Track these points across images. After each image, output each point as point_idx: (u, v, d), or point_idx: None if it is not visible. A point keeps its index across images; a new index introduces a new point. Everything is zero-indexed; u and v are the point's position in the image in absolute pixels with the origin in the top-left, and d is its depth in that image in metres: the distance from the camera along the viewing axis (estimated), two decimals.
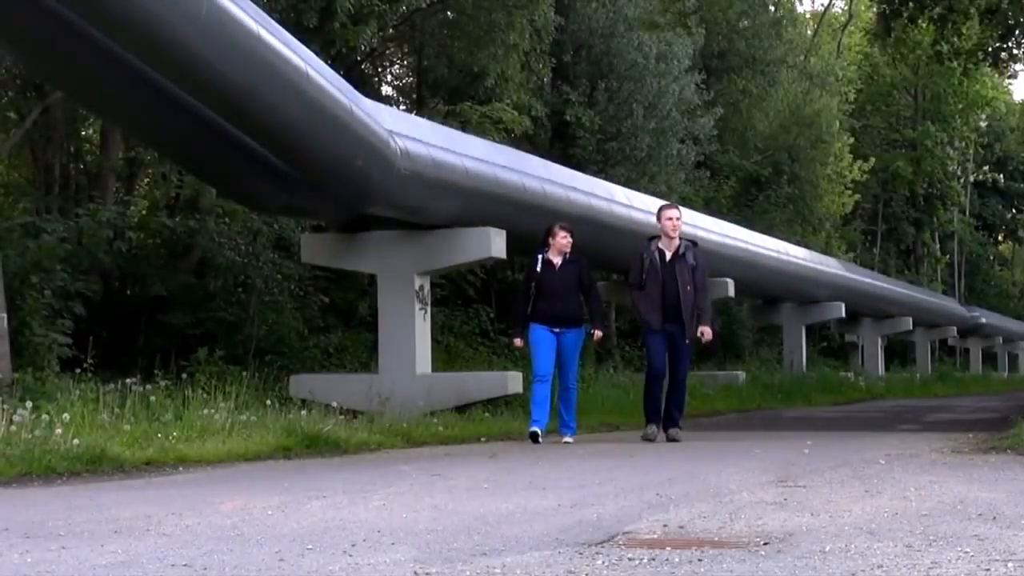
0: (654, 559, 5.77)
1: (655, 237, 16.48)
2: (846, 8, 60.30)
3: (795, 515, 7.48)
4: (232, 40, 15.00)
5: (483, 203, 20.40)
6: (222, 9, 14.76)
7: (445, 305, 27.62)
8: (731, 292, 29.21)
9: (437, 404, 19.35)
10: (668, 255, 16.09)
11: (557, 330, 16.49)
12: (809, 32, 56.18)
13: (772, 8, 48.44)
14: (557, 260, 16.59)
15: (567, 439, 16.40)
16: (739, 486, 9.46)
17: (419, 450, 15.08)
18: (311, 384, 19.88)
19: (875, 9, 29.93)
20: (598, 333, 17.17)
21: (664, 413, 16.35)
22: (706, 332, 16.16)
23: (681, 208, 17.51)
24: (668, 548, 6.12)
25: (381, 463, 12.92)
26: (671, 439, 16.06)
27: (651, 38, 34.04)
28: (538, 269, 16.56)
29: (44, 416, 12.58)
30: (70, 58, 15.31)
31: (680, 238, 16.36)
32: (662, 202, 18.92)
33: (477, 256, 21.12)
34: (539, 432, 16.12)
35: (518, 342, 17.12)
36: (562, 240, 16.63)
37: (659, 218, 16.56)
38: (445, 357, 23.12)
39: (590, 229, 23.43)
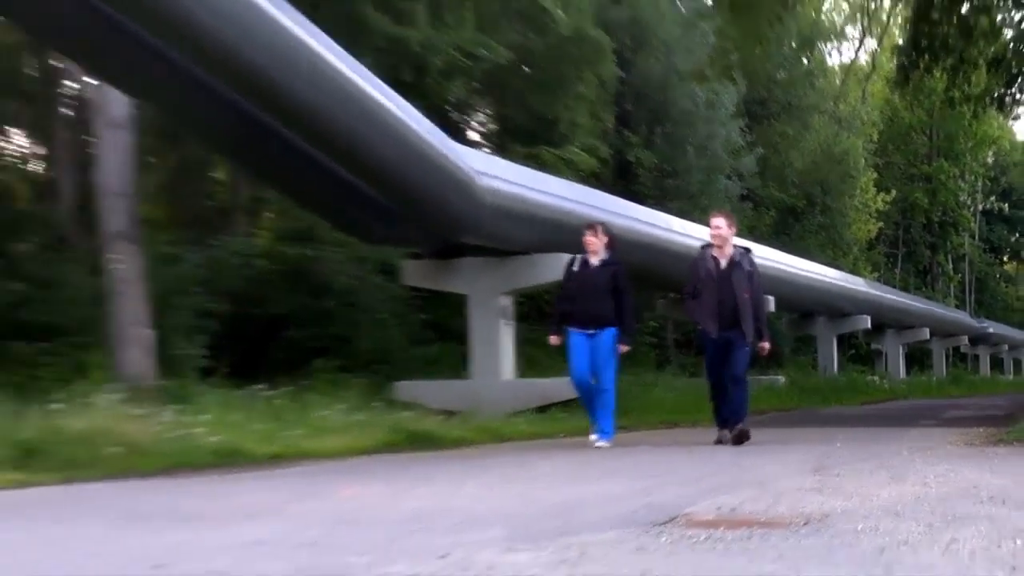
0: (710, 537, 5.73)
1: (709, 245, 14.60)
2: (870, 60, 59.98)
3: (830, 499, 7.41)
4: (342, 94, 15.09)
5: (557, 232, 20.37)
6: (335, 68, 14.87)
7: (526, 320, 27.58)
8: (772, 307, 29.08)
9: (520, 405, 19.34)
10: (723, 263, 14.24)
11: (591, 332, 14.42)
12: (838, 82, 55.87)
13: (805, 61, 48.35)
14: (594, 262, 14.59)
15: (601, 443, 14.20)
16: (781, 474, 9.38)
17: (506, 445, 15.05)
18: (413, 389, 19.92)
19: (895, 61, 29.76)
20: (623, 347, 14.67)
21: (731, 412, 14.30)
22: (765, 347, 14.49)
23: (729, 214, 15.20)
24: (722, 528, 6.07)
25: (474, 457, 12.90)
26: (739, 436, 13.97)
27: (700, 89, 33.96)
28: (573, 269, 14.76)
29: (186, 417, 12.65)
30: (203, 112, 15.44)
31: (734, 245, 14.53)
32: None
33: (553, 278, 20.96)
34: (605, 444, 14.15)
35: (553, 339, 15.05)
36: (585, 239, 14.64)
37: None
38: (526, 365, 23.08)
39: (650, 254, 23.41)
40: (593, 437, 14.26)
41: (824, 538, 5.67)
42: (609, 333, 14.40)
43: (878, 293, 43.51)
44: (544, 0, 27.41)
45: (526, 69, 30.68)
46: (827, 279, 37.46)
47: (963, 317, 57.76)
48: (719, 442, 14.02)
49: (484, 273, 20.19)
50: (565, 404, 20.05)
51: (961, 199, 65.38)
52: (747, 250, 14.70)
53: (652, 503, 7.43)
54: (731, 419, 14.13)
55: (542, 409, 19.59)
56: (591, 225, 14.93)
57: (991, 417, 20.82)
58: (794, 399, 30.10)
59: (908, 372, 48.37)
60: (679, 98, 33.84)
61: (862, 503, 7.16)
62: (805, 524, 6.20)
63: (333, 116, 15.13)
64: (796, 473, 9.49)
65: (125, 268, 17.45)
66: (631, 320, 14.82)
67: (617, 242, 15.01)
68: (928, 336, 48.87)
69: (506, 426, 17.06)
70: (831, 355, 40.15)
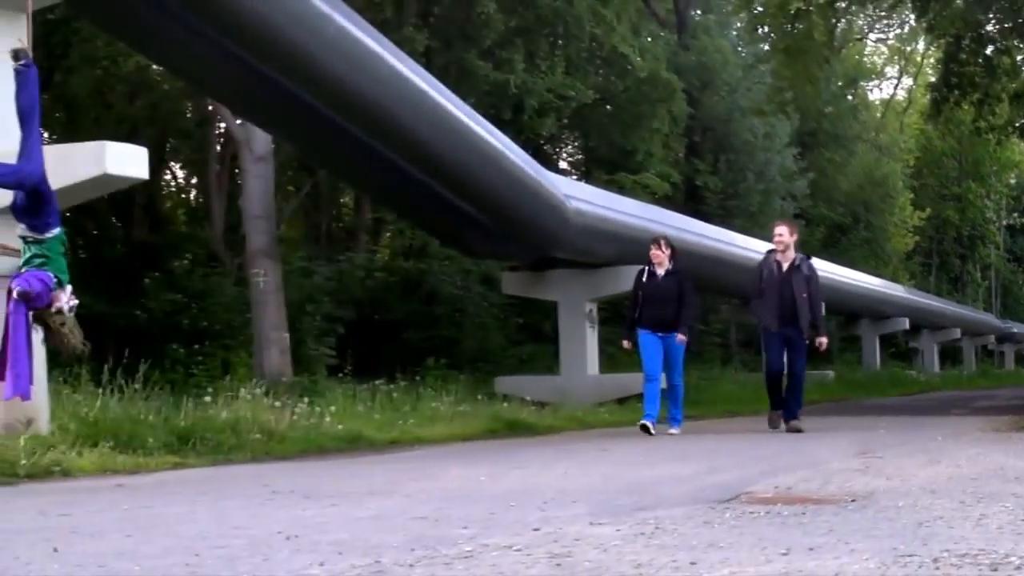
0: (768, 512, 5.67)
1: (773, 250, 14.25)
2: (906, 96, 59.38)
3: (874, 479, 7.31)
4: (451, 129, 15.13)
5: (636, 247, 20.21)
6: (446, 110, 14.93)
7: (608, 324, 27.48)
8: (823, 311, 28.77)
9: (603, 397, 19.27)
10: (784, 266, 13.86)
11: (661, 334, 14.02)
12: (878, 115, 55.28)
13: (850, 97, 47.91)
14: (660, 272, 14.16)
15: (672, 430, 14.02)
16: (831, 457, 9.26)
17: (591, 432, 14.98)
18: (510, 383, 19.90)
19: (929, 96, 29.44)
20: (680, 337, 14.20)
21: (788, 407, 13.89)
22: (823, 342, 14.13)
23: (791, 224, 14.91)
24: (779, 504, 6.00)
25: (563, 442, 12.85)
26: (792, 429, 13.52)
27: (759, 122, 33.73)
28: (643, 279, 14.27)
29: (316, 408, 12.70)
30: (330, 147, 15.52)
31: (796, 251, 14.13)
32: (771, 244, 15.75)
33: (631, 287, 20.99)
34: (650, 424, 13.75)
35: (626, 344, 14.80)
36: (652, 253, 14.23)
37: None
38: (609, 362, 22.96)
39: (716, 266, 23.23)
40: (649, 423, 13.67)
41: (869, 513, 5.59)
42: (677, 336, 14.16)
43: (915, 298, 43.03)
44: (623, 47, 27.31)
45: (608, 107, 30.62)
46: (870, 286, 37.13)
47: (990, 319, 56.88)
48: (771, 423, 13.85)
49: (572, 283, 20.13)
50: (641, 396, 19.97)
51: (987, 215, 64.34)
52: (807, 256, 14.41)
53: (717, 483, 7.37)
54: (786, 415, 13.76)
55: (621, 400, 19.50)
56: (656, 239, 14.60)
57: (1016, 407, 20.45)
58: (842, 391, 29.78)
59: (942, 367, 47.66)
60: (740, 130, 33.60)
61: (902, 482, 7.05)
62: (852, 501, 6.12)
63: (445, 150, 15.19)
64: (844, 456, 9.38)
65: (266, 281, 17.61)
66: (689, 316, 14.54)
67: (679, 253, 14.70)
68: (959, 335, 48.30)
69: (591, 415, 16.98)
70: (874, 352, 39.84)
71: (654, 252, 14.21)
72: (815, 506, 5.93)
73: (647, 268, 14.26)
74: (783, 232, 14.01)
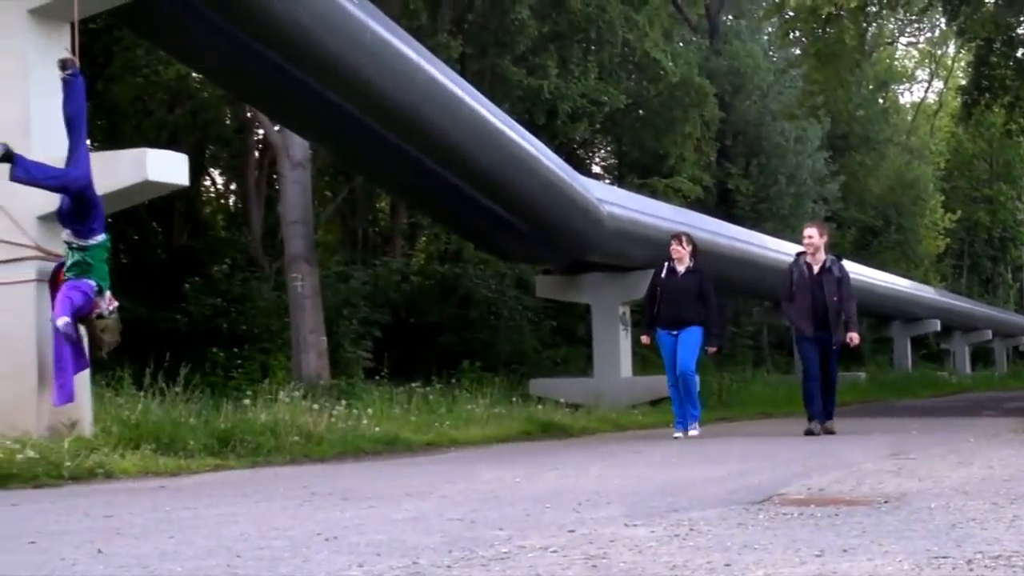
0: (802, 514, 5.64)
1: (803, 252, 13.82)
2: (937, 99, 59.06)
3: (907, 480, 7.26)
4: (486, 134, 15.16)
5: (667, 250, 20.24)
6: (481, 116, 14.96)
7: (641, 326, 27.44)
8: (855, 309, 28.59)
9: (636, 399, 19.23)
10: (816, 268, 13.44)
11: (675, 332, 13.64)
12: (909, 118, 55.04)
13: (881, 101, 47.70)
14: (680, 269, 13.77)
15: (692, 431, 13.54)
16: (864, 459, 9.21)
17: (624, 434, 14.96)
18: (545, 386, 19.89)
19: (959, 99, 29.30)
20: (711, 348, 14.25)
21: (824, 410, 13.47)
22: (854, 337, 13.56)
23: (821, 225, 14.46)
24: (812, 505, 5.98)
25: (597, 443, 12.83)
26: (828, 431, 13.21)
27: (790, 126, 33.62)
28: (662, 276, 13.88)
29: (354, 411, 12.71)
30: (366, 152, 15.56)
31: (826, 253, 13.68)
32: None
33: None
34: (682, 435, 13.39)
35: (644, 339, 14.37)
36: (672, 249, 13.89)
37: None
38: (641, 364, 22.94)
39: (748, 268, 23.19)
40: (681, 434, 13.38)
41: (902, 515, 5.56)
42: (693, 329, 13.65)
43: (946, 300, 42.82)
44: (656, 52, 27.29)
45: (640, 112, 30.62)
46: (901, 288, 36.97)
47: (1021, 320, 56.47)
48: (809, 433, 13.16)
49: (605, 286, 20.11)
50: None
51: (1018, 217, 63.88)
52: (838, 257, 13.96)
53: (750, 484, 7.34)
54: (822, 418, 13.38)
55: (655, 402, 19.46)
56: (677, 235, 14.24)
57: None
58: (873, 393, 29.64)
59: (973, 368, 47.39)
60: (772, 134, 33.52)
61: (935, 484, 7.01)
62: (885, 502, 6.08)
63: (480, 155, 15.22)
64: (876, 457, 9.33)
65: (304, 285, 17.67)
66: (718, 322, 14.23)
67: (699, 251, 14.41)
68: (991, 337, 47.99)
69: (624, 417, 16.95)
70: (906, 354, 39.65)
71: (674, 248, 13.88)
72: (848, 507, 5.90)
73: (666, 264, 13.91)
74: (813, 233, 13.65)
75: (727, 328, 33.12)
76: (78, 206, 9.34)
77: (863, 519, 5.42)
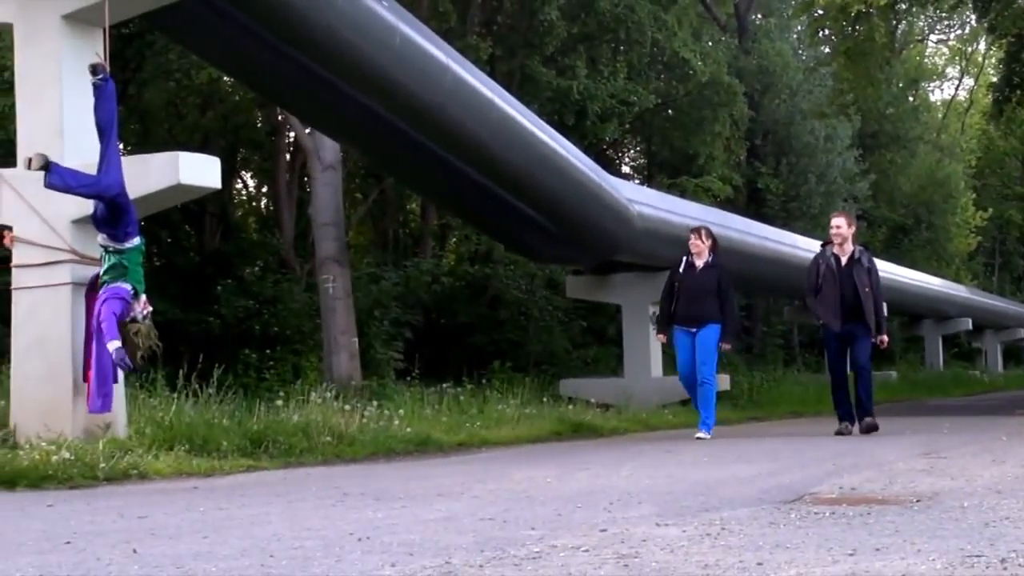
0: (834, 513, 5.63)
1: (828, 243, 13.27)
2: (968, 97, 58.74)
3: (939, 479, 7.24)
4: (514, 135, 15.16)
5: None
6: (510, 117, 14.96)
7: None
8: (885, 312, 28.50)
9: (667, 399, 19.18)
10: (843, 260, 12.89)
11: (693, 330, 13.19)
12: (940, 116, 54.76)
13: (911, 99, 47.48)
14: (699, 263, 13.34)
15: (701, 434, 12.96)
16: (895, 458, 9.17)
17: (655, 433, 14.94)
18: (575, 386, 19.88)
19: (990, 97, 29.13)
20: (725, 346, 13.61)
21: (856, 405, 12.97)
22: (884, 340, 13.19)
23: (848, 215, 13.84)
24: (844, 505, 5.96)
25: (628, 443, 12.82)
26: (868, 429, 12.63)
27: (820, 124, 33.48)
28: (680, 270, 13.42)
29: (385, 411, 12.74)
30: (397, 154, 15.60)
31: (854, 243, 13.16)
32: None
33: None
34: (705, 436, 12.93)
35: (661, 337, 14.07)
36: (691, 243, 13.48)
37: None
38: (672, 364, 22.90)
39: (778, 267, 23.11)
40: (702, 436, 12.92)
41: (935, 514, 5.54)
42: (711, 329, 13.19)
43: (978, 298, 42.59)
44: (685, 52, 27.22)
45: (670, 111, 30.57)
46: (933, 287, 36.80)
47: None
48: (840, 433, 12.75)
49: (635, 286, 20.07)
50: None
51: None
52: (866, 247, 13.43)
53: (781, 484, 7.32)
54: (859, 412, 12.89)
55: (685, 402, 19.40)
56: (696, 229, 13.83)
57: None
58: (905, 392, 29.56)
59: (1005, 367, 47.13)
60: (802, 133, 33.37)
61: (967, 483, 6.98)
62: (917, 501, 6.06)
63: (510, 156, 15.23)
64: (908, 456, 9.29)
65: (335, 286, 17.70)
66: (733, 319, 13.72)
67: (719, 247, 13.99)
68: (1023, 335, 47.70)
69: (654, 417, 16.93)
70: (937, 353, 39.50)
71: (694, 242, 13.47)
72: (880, 507, 5.88)
73: (685, 259, 13.49)
74: (841, 223, 13.13)
75: (759, 326, 33.05)
76: (111, 211, 9.41)
77: (895, 518, 5.40)
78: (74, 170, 9.38)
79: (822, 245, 13.51)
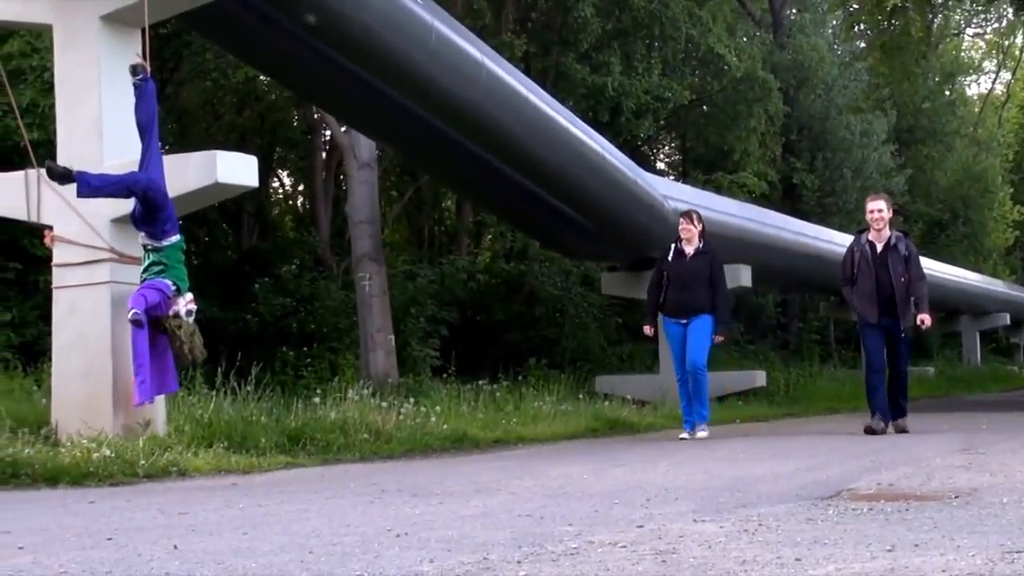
0: (872, 509, 5.60)
1: (864, 230, 12.46)
2: (1004, 90, 58.31)
3: (978, 475, 7.19)
4: (549, 132, 15.15)
5: (734, 246, 20.14)
6: (545, 114, 14.97)
7: None
8: (926, 289, 28.24)
9: None
10: (879, 247, 12.13)
11: (684, 321, 12.41)
12: (976, 110, 54.38)
13: (948, 93, 47.18)
14: (689, 250, 12.50)
15: (701, 432, 12.38)
16: (933, 454, 9.12)
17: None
18: (611, 382, 19.85)
19: None
20: (718, 338, 12.58)
21: (890, 404, 12.26)
22: (926, 319, 12.16)
23: (887, 198, 12.88)
24: (882, 501, 5.93)
25: (664, 439, 12.79)
26: (900, 430, 12.10)
27: (856, 119, 33.34)
28: (669, 258, 12.58)
29: (422, 408, 12.77)
30: (432, 152, 15.63)
31: (891, 229, 12.33)
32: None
33: (730, 286, 20.85)
34: (688, 436, 12.35)
35: (647, 330, 12.88)
36: (682, 226, 12.63)
37: (866, 211, 12.52)
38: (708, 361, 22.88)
39: (814, 263, 23.02)
40: (685, 435, 12.34)
41: (973, 510, 5.50)
42: (703, 319, 12.37)
43: (1016, 293, 42.25)
44: (719, 48, 27.15)
45: (705, 107, 30.50)
46: (970, 282, 36.57)
47: None
48: (870, 430, 12.03)
49: None
50: (741, 394, 19.87)
51: None
52: (904, 233, 12.56)
53: (818, 479, 7.30)
54: (893, 413, 12.26)
55: (721, 398, 19.38)
56: (686, 213, 12.99)
57: None
58: (942, 387, 29.39)
59: None
60: (837, 128, 33.21)
61: (1006, 478, 6.93)
62: (956, 497, 6.03)
63: (545, 153, 15.24)
64: (946, 452, 9.23)
65: (371, 284, 17.75)
66: (726, 308, 12.79)
67: (708, 232, 13.17)
68: None
69: None
70: (975, 348, 39.24)
71: (684, 226, 12.63)
72: (918, 503, 5.85)
73: (673, 246, 12.68)
74: (882, 206, 12.26)
75: (795, 322, 32.93)
76: (146, 208, 9.47)
77: (934, 514, 5.37)
78: (100, 173, 9.45)
79: (858, 232, 12.74)
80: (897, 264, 12.13)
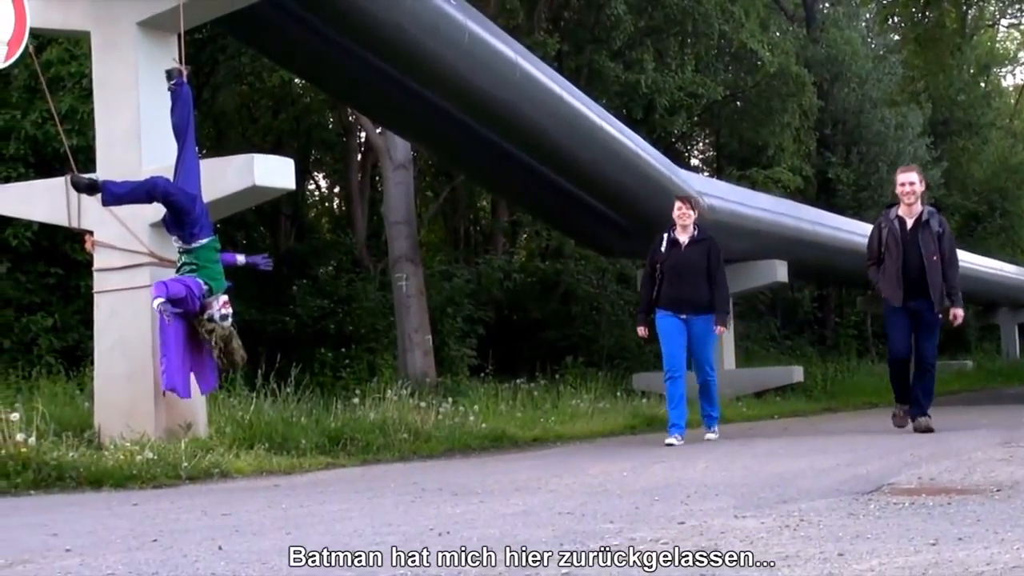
0: (913, 503, 5.57)
1: (893, 205, 11.23)
2: None
3: (1019, 468, 7.14)
4: (583, 130, 15.14)
5: (769, 241, 20.10)
6: (579, 112, 14.96)
7: (743, 318, 27.25)
8: (958, 277, 28.08)
9: (740, 392, 19.10)
10: (909, 223, 10.91)
11: (684, 317, 11.18)
12: (1012, 101, 53.98)
13: (983, 84, 46.84)
14: (683, 239, 11.27)
15: (710, 435, 11.53)
16: (974, 447, 9.05)
17: (729, 427, 14.82)
18: (648, 380, 19.79)
19: None
20: (720, 328, 11.36)
21: (915, 401, 11.17)
22: (959, 314, 10.99)
23: (920, 170, 11.50)
24: (923, 495, 5.90)
25: (702, 436, 12.76)
26: (921, 429, 10.92)
27: (891, 113, 33.14)
28: (662, 249, 11.32)
29: (460, 408, 12.79)
30: (467, 152, 15.65)
31: (922, 204, 11.09)
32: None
33: (766, 281, 20.82)
34: (676, 440, 11.02)
35: (641, 331, 11.80)
36: (677, 213, 11.37)
37: (895, 184, 11.23)
38: (745, 356, 22.78)
39: (850, 258, 22.87)
40: (674, 441, 11.03)
41: (1016, 503, 5.48)
42: (705, 322, 11.28)
43: None
44: (752, 43, 27.05)
45: (738, 103, 30.40)
46: (1008, 274, 36.26)
47: None
48: (896, 422, 11.38)
49: None
50: (779, 390, 19.81)
51: None
52: (936, 208, 11.36)
53: (858, 474, 7.26)
54: (915, 409, 11.16)
55: (759, 394, 19.35)
56: (684, 197, 11.96)
57: None
58: (981, 381, 29.19)
59: None
60: (872, 122, 33.03)
61: None
62: (998, 491, 5.99)
63: (579, 151, 15.23)
64: (987, 446, 9.17)
65: (408, 284, 17.80)
66: (724, 298, 11.56)
67: (705, 218, 12.40)
68: None
69: (728, 410, 16.79)
70: (1013, 341, 38.87)
71: (682, 212, 11.38)
72: (960, 496, 5.82)
73: (666, 235, 11.44)
74: (914, 179, 11.01)
75: (832, 316, 32.77)
76: (172, 213, 9.52)
77: (976, 508, 5.34)
78: (121, 181, 9.52)
79: (886, 207, 11.53)
80: (929, 242, 10.92)
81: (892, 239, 10.96)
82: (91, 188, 9.41)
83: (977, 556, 4.02)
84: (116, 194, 9.37)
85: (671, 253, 11.32)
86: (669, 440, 10.99)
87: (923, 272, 10.86)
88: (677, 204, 11.53)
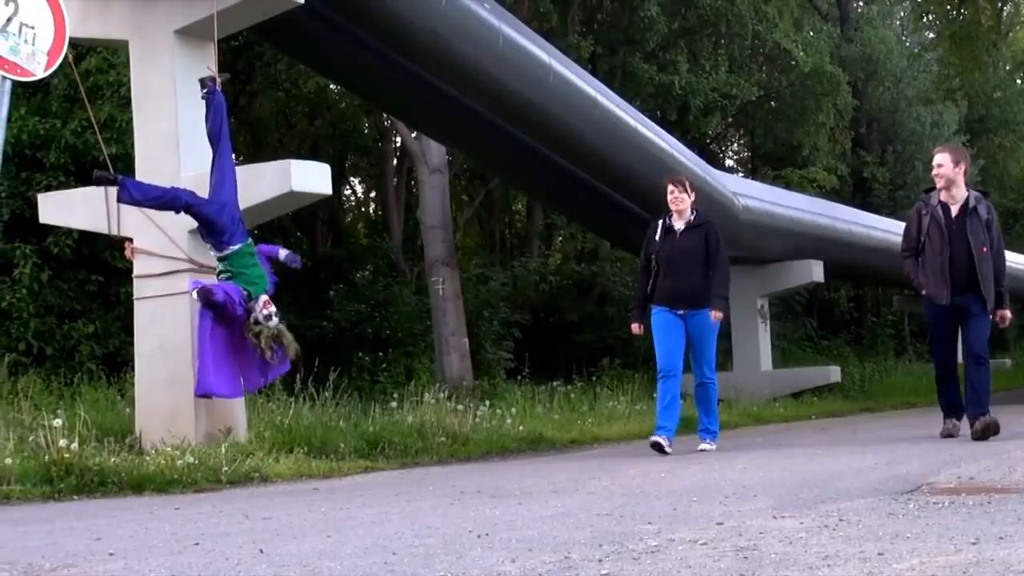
0: (953, 503, 5.53)
1: (931, 189, 10.04)
2: None
3: None
4: (618, 132, 15.14)
5: (805, 241, 20.04)
6: (614, 114, 14.97)
7: (779, 319, 27.17)
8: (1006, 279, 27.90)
9: (777, 392, 19.07)
10: (954, 210, 9.71)
11: (682, 312, 10.14)
12: None
13: (1019, 81, 46.54)
14: (679, 225, 10.19)
15: (705, 445, 10.38)
16: (1014, 446, 8.97)
17: (766, 427, 14.83)
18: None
19: None
20: (715, 314, 10.16)
21: (971, 399, 9.82)
22: (1006, 316, 9.97)
23: (955, 149, 10.15)
24: (963, 494, 5.86)
25: (739, 437, 12.74)
26: (986, 428, 9.66)
27: (926, 111, 32.98)
28: (656, 238, 10.22)
29: (497, 411, 12.81)
30: (502, 155, 15.68)
31: (969, 188, 9.93)
32: None
33: (802, 281, 20.79)
34: (664, 441, 10.04)
35: (634, 328, 10.67)
36: (671, 196, 10.24)
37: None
38: (781, 357, 22.71)
39: (886, 257, 22.78)
40: (662, 440, 10.10)
41: None
42: (706, 314, 10.22)
43: None
44: (786, 43, 26.97)
45: (773, 103, 30.31)
46: None
47: None
48: (948, 435, 10.16)
49: (742, 279, 19.92)
50: (816, 390, 19.75)
51: None
52: (984, 193, 10.07)
53: (897, 474, 7.22)
54: (972, 408, 9.84)
55: (796, 395, 19.30)
56: (676, 180, 10.63)
57: None
58: (1021, 380, 29.01)
59: None
60: (907, 120, 32.89)
61: None
62: None
63: (614, 153, 15.24)
64: None
65: (444, 288, 17.83)
66: (722, 283, 10.31)
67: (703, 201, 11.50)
68: None
69: (765, 410, 16.82)
70: None
71: (676, 196, 10.25)
72: (1000, 495, 5.78)
73: (660, 223, 10.34)
74: (943, 160, 9.78)
75: (868, 316, 32.60)
76: (200, 222, 9.56)
77: (1017, 506, 5.30)
78: (143, 184, 9.55)
79: (925, 191, 10.32)
80: (979, 231, 9.71)
81: (935, 227, 9.77)
82: (111, 182, 9.42)
83: (1019, 554, 4.00)
84: (133, 195, 9.35)
85: (666, 242, 10.25)
86: (655, 438, 10.14)
87: (972, 265, 9.69)
88: (669, 188, 10.35)
